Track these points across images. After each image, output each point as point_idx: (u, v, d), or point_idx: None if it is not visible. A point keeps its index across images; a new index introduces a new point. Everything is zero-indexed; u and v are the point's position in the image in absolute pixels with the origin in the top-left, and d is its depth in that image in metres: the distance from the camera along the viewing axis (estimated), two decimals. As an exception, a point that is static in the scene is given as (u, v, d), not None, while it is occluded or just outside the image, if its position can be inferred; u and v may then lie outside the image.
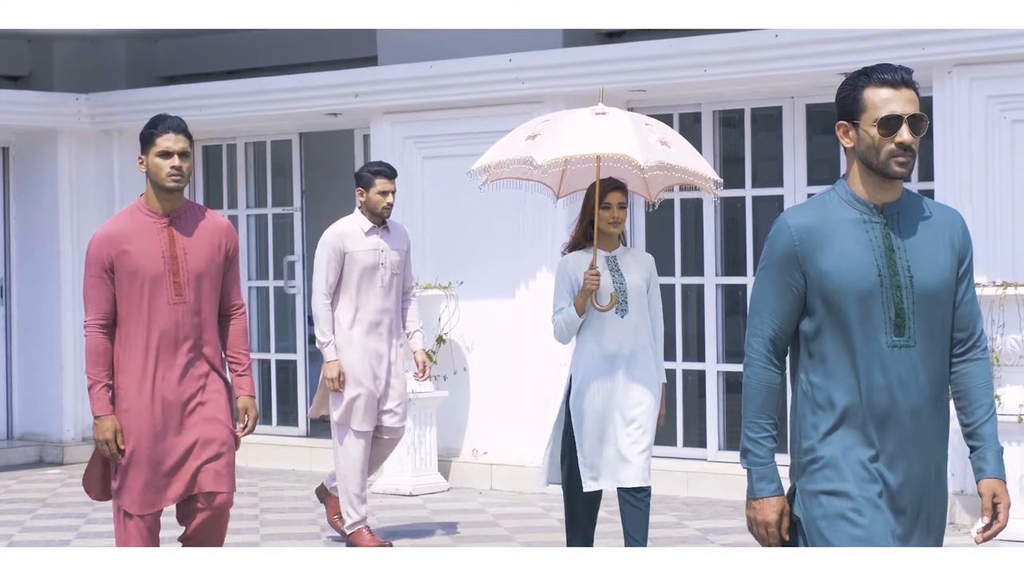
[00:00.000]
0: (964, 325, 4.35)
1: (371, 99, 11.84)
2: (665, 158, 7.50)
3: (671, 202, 11.08)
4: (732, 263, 11.38)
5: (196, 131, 13.45)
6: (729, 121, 11.33)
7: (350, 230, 8.97)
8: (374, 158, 12.03)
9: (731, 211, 11.35)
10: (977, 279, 8.85)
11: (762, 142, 11.16)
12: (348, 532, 8.99)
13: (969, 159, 9.65)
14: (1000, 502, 4.27)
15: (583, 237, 7.67)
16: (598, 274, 7.46)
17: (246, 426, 6.53)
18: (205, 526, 6.38)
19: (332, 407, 8.97)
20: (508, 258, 11.29)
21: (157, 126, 6.34)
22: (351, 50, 12.80)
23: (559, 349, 10.87)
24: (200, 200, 13.71)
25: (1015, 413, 8.92)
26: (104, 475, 6.50)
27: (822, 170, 10.86)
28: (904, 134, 4.18)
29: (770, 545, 4.31)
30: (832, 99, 10.73)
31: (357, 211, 9.06)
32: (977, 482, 4.29)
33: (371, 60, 12.41)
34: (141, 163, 6.36)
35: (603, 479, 7.44)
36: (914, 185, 10.42)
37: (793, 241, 4.25)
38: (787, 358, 4.43)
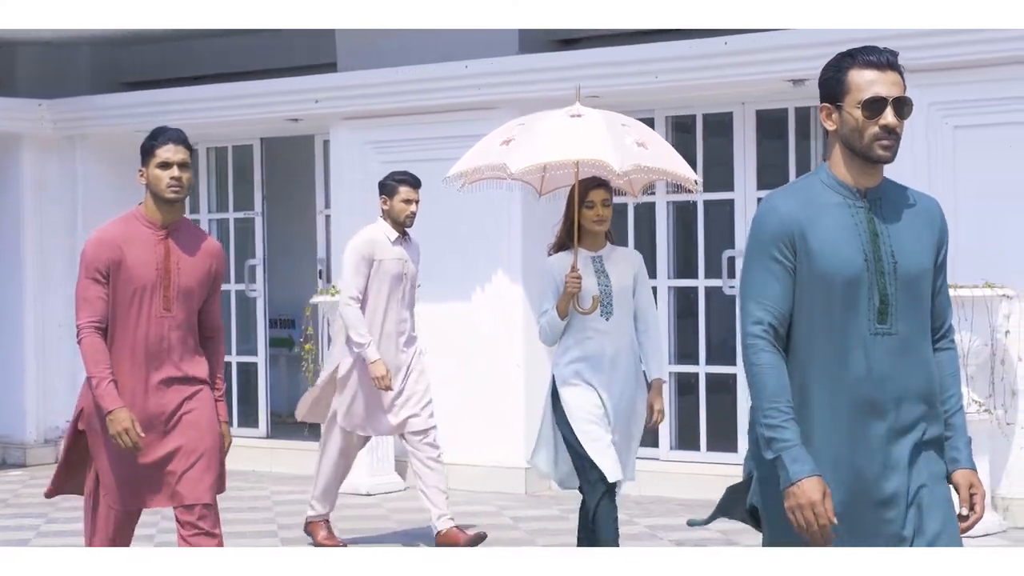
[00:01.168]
0: (937, 315, 4.28)
1: (330, 105, 12.01)
2: (641, 160, 7.40)
3: (624, 206, 11.27)
4: (684, 266, 11.59)
5: (158, 136, 13.69)
6: (682, 126, 11.54)
7: (378, 238, 8.94)
8: (333, 165, 12.23)
9: (683, 214, 11.56)
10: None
11: (714, 147, 11.36)
12: (308, 521, 9.11)
13: (912, 164, 9.85)
14: (976, 492, 4.18)
15: (567, 237, 7.54)
16: (579, 277, 7.35)
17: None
18: (199, 539, 6.28)
19: (335, 405, 8.97)
20: (463, 262, 11.46)
21: (157, 138, 6.31)
22: (312, 56, 12.96)
23: (513, 350, 11.09)
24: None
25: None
26: (75, 472, 6.44)
27: (772, 174, 11.07)
28: (888, 116, 4.10)
29: (821, 529, 4.00)
30: (781, 105, 10.98)
31: (380, 220, 9.02)
32: (951, 472, 4.21)
33: (331, 67, 12.58)
34: (141, 175, 6.32)
35: (616, 468, 7.31)
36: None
37: (784, 220, 4.14)
38: None
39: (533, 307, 11.22)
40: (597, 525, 7.25)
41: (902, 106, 4.13)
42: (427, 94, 11.54)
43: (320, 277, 12.99)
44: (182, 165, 6.28)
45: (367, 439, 9.28)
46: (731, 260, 11.15)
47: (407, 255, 9.00)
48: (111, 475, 6.28)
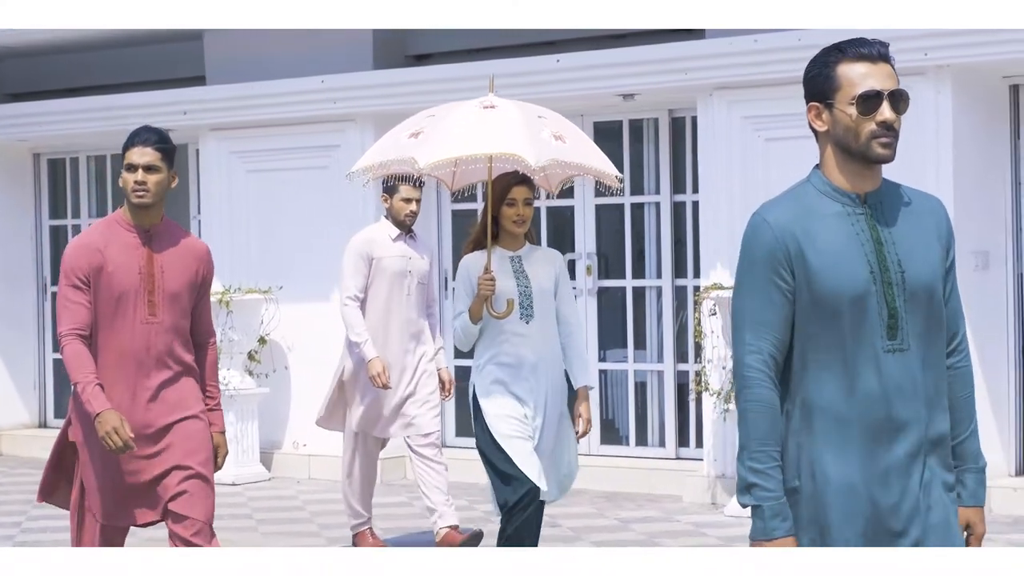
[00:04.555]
0: (949, 325, 3.92)
1: (198, 117, 12.66)
2: (559, 155, 6.97)
3: (471, 211, 11.99)
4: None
5: (39, 146, 14.30)
6: (527, 137, 12.25)
7: (377, 236, 8.81)
8: (203, 173, 12.89)
9: (526, 220, 12.29)
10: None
11: (555, 156, 12.07)
12: (353, 532, 8.97)
13: (728, 174, 10.66)
14: (973, 533, 3.92)
15: (483, 235, 7.14)
16: (493, 279, 6.95)
17: (216, 464, 6.16)
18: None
19: (350, 414, 8.82)
20: (323, 264, 12.09)
21: (129, 139, 6.06)
22: (182, 70, 13.58)
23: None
24: (45, 210, 14.46)
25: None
26: (63, 484, 6.21)
27: (609, 182, 11.84)
28: (886, 111, 3.75)
29: None
30: (615, 117, 11.75)
31: (383, 218, 8.96)
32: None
33: (201, 80, 13.22)
34: (122, 179, 6.10)
35: (539, 474, 6.91)
36: (689, 199, 11.43)
37: (776, 237, 3.78)
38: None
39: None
40: (519, 538, 6.90)
41: (898, 100, 3.79)
42: (287, 107, 12.24)
43: (193, 279, 13.60)
44: (148, 168, 5.99)
45: (385, 440, 9.09)
46: (571, 263, 11.91)
47: (412, 252, 8.82)
48: (97, 487, 6.02)
